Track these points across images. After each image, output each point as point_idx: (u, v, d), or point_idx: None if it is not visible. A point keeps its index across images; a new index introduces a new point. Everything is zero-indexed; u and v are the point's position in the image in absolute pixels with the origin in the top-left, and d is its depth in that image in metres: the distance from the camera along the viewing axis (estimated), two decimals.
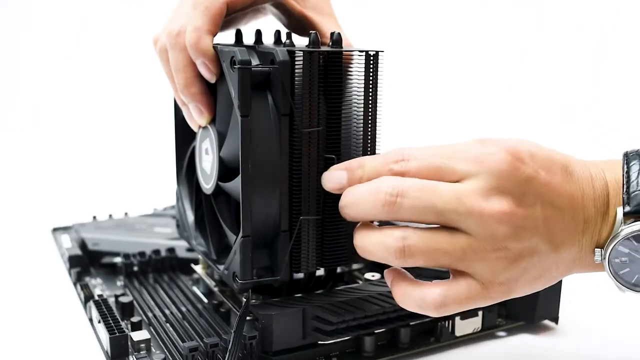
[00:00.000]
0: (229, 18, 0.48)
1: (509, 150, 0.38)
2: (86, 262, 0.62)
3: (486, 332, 0.51)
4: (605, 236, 0.39)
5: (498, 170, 0.37)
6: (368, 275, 0.52)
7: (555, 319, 0.52)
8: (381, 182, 0.39)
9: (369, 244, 0.40)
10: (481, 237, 0.37)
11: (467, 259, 0.38)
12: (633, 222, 0.38)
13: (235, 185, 0.45)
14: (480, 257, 0.38)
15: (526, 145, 0.39)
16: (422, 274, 0.51)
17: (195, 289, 0.57)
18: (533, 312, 0.51)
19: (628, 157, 0.40)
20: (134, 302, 0.54)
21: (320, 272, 0.48)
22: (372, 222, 0.41)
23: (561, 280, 0.51)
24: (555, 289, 0.51)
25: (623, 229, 0.38)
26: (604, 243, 0.39)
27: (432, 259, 0.38)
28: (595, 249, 0.39)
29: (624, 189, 0.39)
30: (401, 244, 0.38)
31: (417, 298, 0.39)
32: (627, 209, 0.38)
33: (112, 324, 0.47)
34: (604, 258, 0.39)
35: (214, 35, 0.46)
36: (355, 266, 0.53)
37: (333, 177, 0.42)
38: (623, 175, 0.39)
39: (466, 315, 0.49)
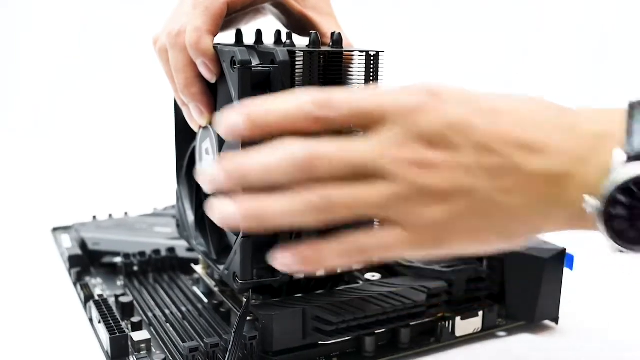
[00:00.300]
0: (229, 18, 0.48)
1: (431, 92, 0.35)
2: (86, 262, 0.62)
3: (486, 332, 0.51)
4: (593, 184, 0.34)
5: (417, 113, 0.35)
6: (368, 276, 0.52)
7: (555, 319, 0.52)
8: (290, 144, 0.34)
9: (277, 208, 0.34)
10: (403, 182, 0.34)
11: (391, 207, 0.35)
12: (633, 165, 0.33)
13: None
14: (404, 203, 0.35)
15: (456, 89, 0.36)
16: (425, 275, 0.51)
17: (195, 289, 0.57)
18: (533, 312, 0.51)
19: (633, 105, 0.35)
20: (134, 302, 0.54)
21: (320, 272, 0.48)
22: None
23: (561, 280, 0.51)
24: (555, 289, 0.51)
25: (621, 173, 0.33)
26: (592, 192, 0.34)
27: (354, 211, 0.35)
28: (585, 196, 0.34)
29: (626, 129, 0.34)
30: (322, 201, 0.34)
31: (338, 251, 0.36)
32: (629, 150, 0.33)
33: (113, 324, 0.47)
34: (596, 208, 0.34)
35: (215, 35, 0.46)
36: (355, 266, 0.53)
37: (226, 122, 0.35)
38: (627, 118, 0.34)
39: (466, 315, 0.49)
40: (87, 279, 0.60)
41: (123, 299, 0.53)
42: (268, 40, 0.50)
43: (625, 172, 0.33)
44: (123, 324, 0.47)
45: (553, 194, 0.35)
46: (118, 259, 0.61)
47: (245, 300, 0.44)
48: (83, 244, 0.65)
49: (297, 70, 0.43)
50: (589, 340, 0.51)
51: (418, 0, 1.42)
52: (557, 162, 0.34)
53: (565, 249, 0.51)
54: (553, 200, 0.35)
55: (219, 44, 0.46)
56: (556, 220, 0.36)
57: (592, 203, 0.34)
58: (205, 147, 0.50)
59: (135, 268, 0.60)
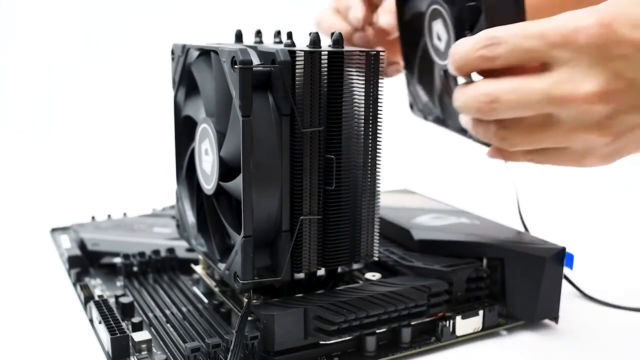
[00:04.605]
0: None
1: (602, 22, 0.37)
2: (86, 263, 0.62)
3: (487, 332, 0.51)
4: None
5: (589, 45, 0.37)
6: (368, 275, 0.52)
7: (556, 318, 0.52)
8: (475, 89, 0.43)
9: (463, 101, 0.44)
10: (575, 122, 0.39)
11: (561, 142, 0.41)
12: None
13: (236, 185, 0.45)
14: (573, 140, 0.40)
15: (622, 14, 0.37)
16: (425, 275, 0.51)
17: (195, 289, 0.57)
18: (533, 311, 0.51)
19: None
20: (134, 303, 0.54)
21: (321, 271, 0.48)
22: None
23: (561, 279, 0.51)
24: (555, 288, 0.51)
25: None
26: None
27: (520, 109, 0.41)
28: None
29: None
30: (489, 96, 0.42)
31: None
32: None
33: (113, 325, 0.47)
34: None
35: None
36: (355, 266, 0.53)
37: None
38: None
39: (467, 315, 0.50)
40: (87, 279, 0.60)
41: (123, 300, 0.53)
42: (268, 40, 0.50)
43: None
44: (124, 324, 0.47)
45: None
46: (117, 260, 0.61)
47: (246, 300, 0.44)
48: (82, 245, 0.65)
49: (297, 70, 0.43)
50: (589, 340, 0.51)
51: None
52: None
53: (565, 248, 0.51)
54: None
55: (219, 44, 0.45)
56: None
57: None
58: (204, 147, 0.50)
59: (135, 268, 0.60)
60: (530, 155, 0.46)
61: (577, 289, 0.57)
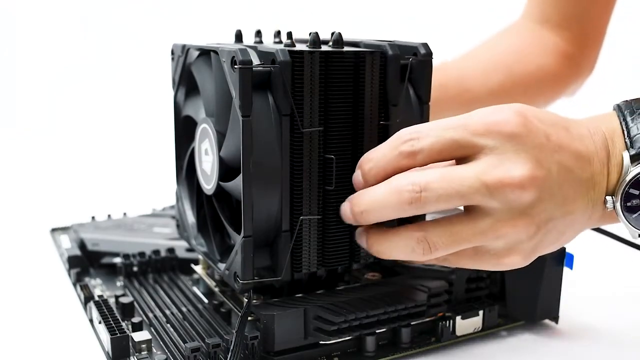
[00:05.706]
0: None
1: (519, 113, 0.39)
2: (86, 263, 0.62)
3: (487, 332, 0.51)
4: (613, 184, 0.40)
5: (513, 134, 0.38)
6: (368, 275, 0.52)
7: (556, 319, 0.52)
8: (400, 180, 0.39)
9: (391, 248, 0.41)
10: (504, 211, 0.38)
11: (487, 239, 0.39)
12: (639, 164, 0.39)
13: (236, 185, 0.45)
14: (500, 234, 0.39)
15: (530, 108, 0.40)
16: (425, 275, 0.51)
17: (195, 289, 0.57)
18: (533, 311, 0.51)
19: (620, 107, 0.42)
20: (134, 303, 0.54)
21: (321, 271, 0.48)
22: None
23: (561, 280, 0.51)
24: (555, 288, 0.51)
25: (631, 171, 0.39)
26: (613, 191, 0.40)
27: (455, 248, 0.40)
28: (606, 197, 0.40)
29: (625, 134, 0.40)
30: (425, 243, 0.40)
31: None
32: (632, 152, 0.39)
33: (113, 325, 0.47)
34: (616, 203, 0.40)
35: None
36: (355, 266, 0.53)
37: (354, 181, 0.43)
38: (621, 122, 0.41)
39: (467, 315, 0.50)
40: (87, 279, 0.60)
41: (123, 300, 0.53)
42: (268, 39, 0.50)
43: (635, 170, 0.39)
44: (123, 324, 0.47)
45: (597, 196, 0.40)
46: (117, 260, 0.61)
47: (246, 300, 0.44)
48: (82, 245, 0.65)
49: (297, 70, 0.43)
50: (589, 340, 0.51)
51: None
52: (595, 167, 0.40)
53: (565, 248, 0.51)
54: (593, 201, 0.40)
55: (219, 44, 0.45)
56: (593, 220, 0.41)
57: (611, 201, 0.40)
58: (204, 147, 0.50)
59: (135, 268, 0.60)
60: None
61: None
